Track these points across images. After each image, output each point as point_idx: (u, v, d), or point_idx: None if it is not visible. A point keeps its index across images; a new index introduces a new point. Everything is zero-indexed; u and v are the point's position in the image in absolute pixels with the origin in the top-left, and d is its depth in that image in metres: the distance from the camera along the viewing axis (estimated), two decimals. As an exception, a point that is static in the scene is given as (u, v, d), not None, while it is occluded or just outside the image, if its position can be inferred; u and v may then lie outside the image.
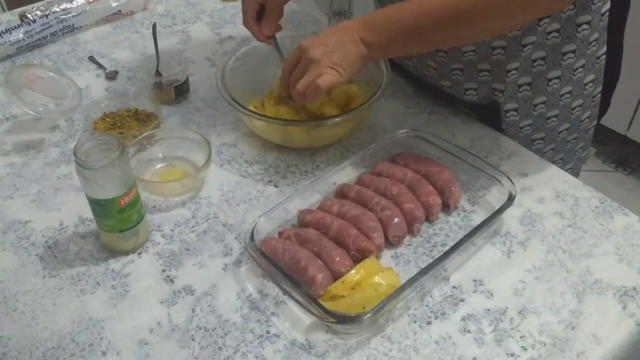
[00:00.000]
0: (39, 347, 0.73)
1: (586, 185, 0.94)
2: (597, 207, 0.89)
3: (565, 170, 0.97)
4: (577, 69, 0.96)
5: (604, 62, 0.99)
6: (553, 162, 1.04)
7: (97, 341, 0.73)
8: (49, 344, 0.73)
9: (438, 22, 0.80)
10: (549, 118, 1.01)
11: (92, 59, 1.21)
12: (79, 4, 1.27)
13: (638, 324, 0.75)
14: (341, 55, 0.82)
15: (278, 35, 1.03)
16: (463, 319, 0.75)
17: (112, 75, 1.16)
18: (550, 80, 0.96)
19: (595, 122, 1.08)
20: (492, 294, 0.78)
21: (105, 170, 0.74)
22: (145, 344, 0.73)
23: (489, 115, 1.02)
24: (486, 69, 0.96)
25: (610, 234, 0.85)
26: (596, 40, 0.95)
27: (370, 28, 0.82)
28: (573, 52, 0.94)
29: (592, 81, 0.99)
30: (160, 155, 0.96)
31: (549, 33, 0.91)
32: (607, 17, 0.94)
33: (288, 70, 0.88)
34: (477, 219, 0.87)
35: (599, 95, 1.03)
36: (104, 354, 0.72)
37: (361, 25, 0.83)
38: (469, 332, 0.74)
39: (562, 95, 0.99)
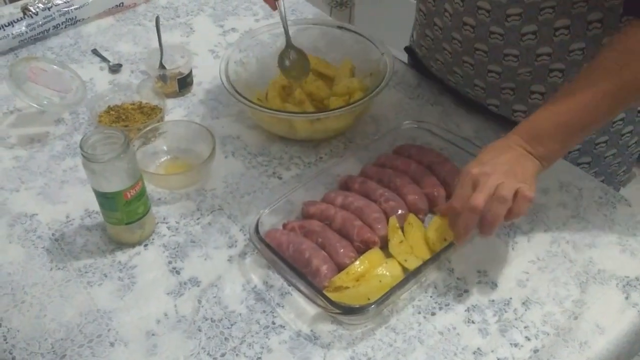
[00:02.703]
0: (48, 339, 0.73)
1: (589, 175, 0.94)
2: (600, 197, 0.90)
3: None
4: None
5: None
6: None
7: (104, 332, 0.74)
8: (57, 335, 0.74)
9: (612, 104, 0.74)
10: (598, 144, 0.99)
11: (95, 51, 1.21)
12: (82, -4, 1.27)
13: (641, 314, 0.76)
14: (522, 171, 0.73)
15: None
16: (467, 309, 0.76)
17: (115, 68, 1.16)
18: None
19: None
20: (496, 285, 0.79)
21: (112, 163, 0.74)
22: (153, 334, 0.74)
23: None
24: (539, 91, 0.94)
25: (613, 224, 0.86)
26: None
27: (535, 141, 0.75)
28: None
29: None
30: (164, 147, 0.96)
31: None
32: None
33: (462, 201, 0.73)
34: (481, 210, 0.87)
35: None
36: (111, 345, 0.73)
37: (524, 141, 0.75)
38: (473, 322, 0.75)
39: (614, 122, 0.97)
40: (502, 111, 1.00)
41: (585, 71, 0.75)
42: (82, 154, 0.74)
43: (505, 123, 1.01)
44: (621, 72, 0.73)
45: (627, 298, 0.77)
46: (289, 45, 1.02)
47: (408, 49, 1.18)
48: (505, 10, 0.85)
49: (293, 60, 1.03)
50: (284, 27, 1.01)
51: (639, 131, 1.02)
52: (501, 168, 0.73)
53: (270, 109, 0.96)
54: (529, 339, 0.73)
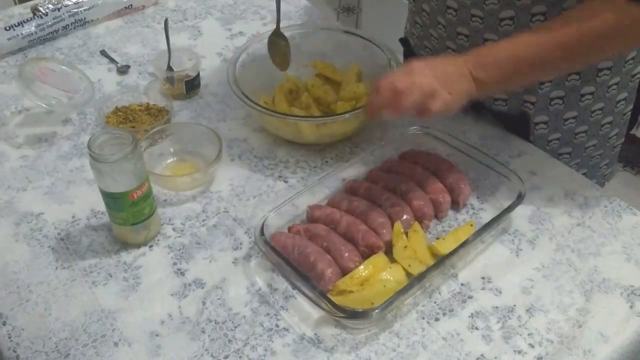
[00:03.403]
0: (52, 338, 0.74)
1: (595, 184, 0.94)
2: (605, 206, 0.89)
3: None
4: (611, 85, 0.95)
5: (638, 80, 0.98)
6: None
7: (109, 332, 0.74)
8: (61, 334, 0.74)
9: (563, 54, 0.77)
10: (577, 133, 1.00)
11: (103, 53, 1.22)
12: (91, -3, 1.27)
13: (645, 323, 0.76)
14: (450, 84, 0.78)
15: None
16: (471, 315, 0.76)
17: (123, 70, 1.17)
18: (583, 95, 0.95)
19: (622, 140, 1.07)
20: (500, 292, 0.78)
21: (119, 164, 0.75)
22: (157, 335, 0.74)
23: (517, 125, 1.00)
24: None
25: (618, 233, 0.86)
26: (633, 58, 0.94)
27: (480, 65, 0.79)
28: (609, 69, 0.93)
29: (625, 99, 0.99)
30: (171, 149, 0.97)
31: None
32: None
33: (389, 90, 0.78)
34: (486, 216, 0.87)
35: (629, 113, 1.02)
36: (115, 345, 0.73)
37: (470, 62, 0.79)
38: (477, 329, 0.74)
39: (593, 112, 0.98)
40: (482, 98, 1.01)
41: (547, 23, 0.81)
42: (89, 154, 0.75)
43: (510, 129, 1.02)
44: (579, 26, 0.76)
45: (631, 307, 0.77)
46: (276, 31, 1.04)
47: (403, 40, 1.19)
48: None
49: (280, 47, 1.05)
50: (277, 11, 1.01)
51: (618, 123, 1.02)
52: (436, 72, 0.78)
53: (277, 113, 0.96)
54: (532, 346, 0.73)
